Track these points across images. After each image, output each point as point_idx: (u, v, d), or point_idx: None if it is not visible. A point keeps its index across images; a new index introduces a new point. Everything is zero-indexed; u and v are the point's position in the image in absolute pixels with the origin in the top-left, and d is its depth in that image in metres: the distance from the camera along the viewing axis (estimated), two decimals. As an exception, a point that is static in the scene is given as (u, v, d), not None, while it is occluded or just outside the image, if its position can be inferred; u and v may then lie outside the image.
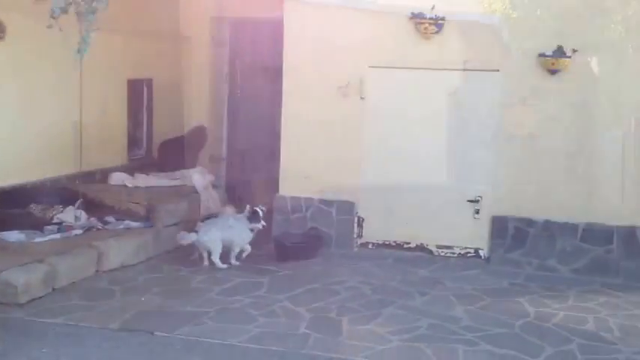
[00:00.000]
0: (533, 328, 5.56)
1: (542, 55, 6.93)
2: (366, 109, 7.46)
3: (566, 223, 7.02)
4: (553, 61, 6.92)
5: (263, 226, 6.89)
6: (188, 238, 6.75)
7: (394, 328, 5.42)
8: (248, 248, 6.95)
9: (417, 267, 7.07)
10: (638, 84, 6.80)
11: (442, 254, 7.44)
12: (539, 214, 7.09)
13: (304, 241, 7.45)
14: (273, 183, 7.86)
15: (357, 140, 7.51)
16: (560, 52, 6.89)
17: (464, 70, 7.23)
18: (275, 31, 7.98)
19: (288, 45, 7.60)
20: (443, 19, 7.10)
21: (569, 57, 6.87)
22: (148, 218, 7.21)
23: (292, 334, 5.23)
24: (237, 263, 6.86)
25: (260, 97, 9.40)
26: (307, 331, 5.30)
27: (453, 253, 7.42)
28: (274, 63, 8.14)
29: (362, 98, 7.44)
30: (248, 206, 6.93)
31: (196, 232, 6.77)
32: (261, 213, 6.87)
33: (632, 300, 6.31)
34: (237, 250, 6.87)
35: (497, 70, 7.13)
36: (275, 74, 8.04)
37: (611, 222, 6.91)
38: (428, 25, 7.14)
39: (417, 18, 7.16)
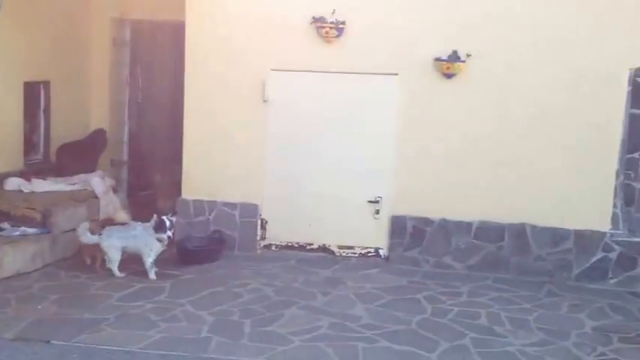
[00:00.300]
0: (429, 324, 5.77)
1: (437, 59, 7.17)
2: (269, 111, 7.51)
3: (461, 222, 7.29)
4: (448, 65, 7.15)
5: (169, 237, 6.61)
6: (90, 238, 6.60)
7: (296, 328, 5.51)
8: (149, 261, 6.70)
9: (319, 267, 7.18)
10: (526, 89, 7.14)
11: (344, 254, 7.58)
12: (435, 213, 7.34)
13: (207, 245, 7.44)
14: (177, 186, 7.79)
15: (260, 142, 7.54)
16: (455, 57, 7.14)
17: (364, 73, 7.36)
18: (177, 34, 7.92)
19: (189, 47, 7.54)
20: (343, 23, 7.22)
21: (464, 61, 7.13)
22: (45, 224, 6.97)
23: (194, 339, 5.22)
24: (154, 277, 6.61)
25: (162, 99, 9.30)
26: (209, 334, 5.31)
27: (354, 253, 7.58)
28: (176, 65, 8.07)
29: (265, 101, 7.48)
30: (155, 215, 6.68)
31: (100, 235, 6.63)
32: (168, 223, 6.60)
33: (522, 294, 6.64)
34: (148, 259, 6.61)
35: (396, 74, 7.32)
36: (177, 77, 7.97)
37: (502, 220, 7.24)
38: (329, 29, 7.24)
39: (318, 22, 7.26)
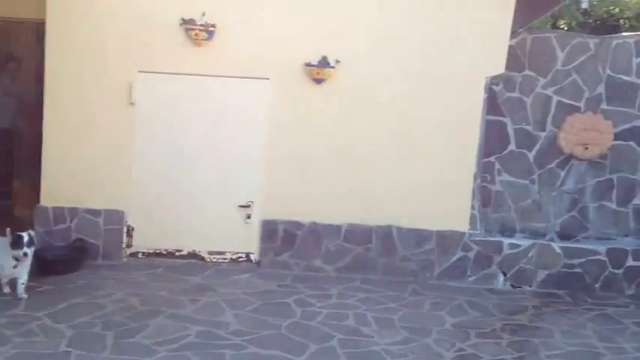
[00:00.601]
0: (299, 327, 5.82)
1: (308, 64, 7.25)
2: (136, 115, 7.30)
3: (330, 225, 7.41)
4: (318, 70, 7.25)
5: (25, 254, 6.02)
6: None
7: (162, 338, 5.38)
8: (23, 277, 6.16)
9: (188, 274, 7.06)
10: (390, 96, 7.35)
11: (214, 260, 7.50)
12: (306, 217, 7.42)
13: (67, 254, 7.11)
14: (38, 193, 7.41)
15: (127, 147, 7.32)
16: (324, 63, 7.24)
17: (235, 77, 7.31)
18: (39, 33, 7.53)
19: (50, 47, 7.21)
20: (214, 26, 7.14)
21: (333, 67, 7.24)
22: None
23: (51, 354, 4.98)
24: (8, 290, 6.19)
25: (22, 101, 8.79)
26: (68, 349, 5.09)
27: (225, 259, 7.52)
28: (38, 65, 7.67)
29: (132, 104, 7.27)
30: (8, 230, 6.11)
31: None
32: (27, 238, 6.04)
33: (388, 294, 6.85)
34: (2, 280, 6.18)
35: (268, 78, 7.32)
36: (39, 77, 7.58)
37: (370, 222, 7.42)
38: (199, 31, 7.14)
39: (187, 24, 7.14)
